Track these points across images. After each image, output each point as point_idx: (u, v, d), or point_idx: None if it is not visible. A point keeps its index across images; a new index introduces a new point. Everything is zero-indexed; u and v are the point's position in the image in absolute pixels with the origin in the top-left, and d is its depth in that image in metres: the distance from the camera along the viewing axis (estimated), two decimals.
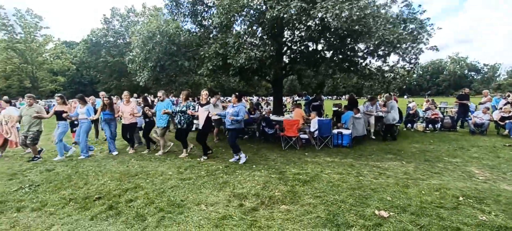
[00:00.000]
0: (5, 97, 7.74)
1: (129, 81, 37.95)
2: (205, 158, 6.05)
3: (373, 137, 8.43)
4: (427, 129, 9.94)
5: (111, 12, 36.42)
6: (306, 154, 6.48)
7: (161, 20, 8.14)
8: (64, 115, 6.17)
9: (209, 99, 6.74)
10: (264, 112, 9.30)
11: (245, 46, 6.40)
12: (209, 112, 6.11)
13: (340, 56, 8.97)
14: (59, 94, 6.63)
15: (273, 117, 8.85)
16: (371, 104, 8.71)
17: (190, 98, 6.86)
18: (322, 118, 8.02)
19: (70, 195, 3.89)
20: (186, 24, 9.88)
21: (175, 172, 5.02)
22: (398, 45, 6.58)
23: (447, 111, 15.57)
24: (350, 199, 3.59)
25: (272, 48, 6.75)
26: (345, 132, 7.23)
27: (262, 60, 6.58)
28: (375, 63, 8.87)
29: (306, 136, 7.63)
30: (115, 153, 6.64)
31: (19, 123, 6.53)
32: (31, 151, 6.17)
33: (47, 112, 8.06)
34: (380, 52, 7.95)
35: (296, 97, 43.97)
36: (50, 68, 29.96)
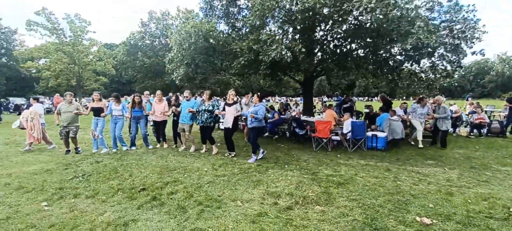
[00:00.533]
0: (34, 95, 8.55)
1: (162, 81, 39.94)
2: (232, 154, 6.29)
3: (413, 143, 7.63)
4: (472, 134, 9.21)
5: (149, 15, 38.49)
6: (338, 156, 6.36)
7: (196, 21, 8.47)
8: (102, 114, 6.69)
9: (237, 99, 6.91)
10: (294, 113, 9.27)
11: (278, 41, 6.43)
12: (237, 111, 6.28)
13: (374, 57, 8.65)
14: (97, 92, 7.18)
15: (303, 118, 8.79)
16: (421, 106, 7.59)
17: (214, 97, 7.09)
18: (355, 120, 7.79)
19: (118, 185, 4.23)
20: (219, 26, 10.21)
21: (210, 168, 5.23)
22: (437, 50, 6.18)
23: (494, 116, 14.28)
24: (388, 204, 3.49)
25: (303, 44, 6.69)
26: (380, 134, 6.98)
27: (294, 55, 6.56)
28: (411, 65, 8.35)
29: (338, 138, 7.49)
30: (150, 147, 7.25)
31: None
32: (76, 142, 6.70)
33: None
34: (416, 56, 7.49)
35: (325, 98, 43.08)
36: (94, 69, 32.48)
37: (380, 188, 4.12)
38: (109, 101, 9.37)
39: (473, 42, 7.07)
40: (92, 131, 6.75)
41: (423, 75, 7.35)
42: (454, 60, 7.35)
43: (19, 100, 24.47)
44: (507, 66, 69.15)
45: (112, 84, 49.39)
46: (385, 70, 8.69)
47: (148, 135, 7.57)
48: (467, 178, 4.66)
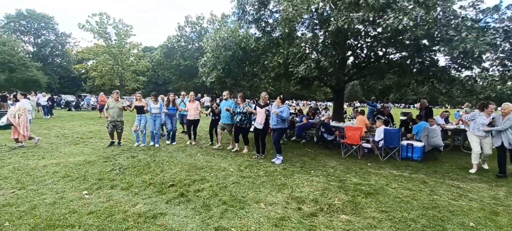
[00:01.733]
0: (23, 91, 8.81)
1: (195, 83, 41.63)
2: (260, 155, 6.43)
3: (486, 167, 5.87)
4: None
5: (185, 19, 40.44)
6: (369, 164, 6.08)
7: (230, 27, 8.72)
8: (145, 110, 7.32)
9: (269, 102, 6.98)
10: (323, 118, 9.06)
11: (307, 56, 6.38)
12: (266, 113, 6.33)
13: (414, 63, 8.13)
14: (139, 92, 7.81)
15: (333, 123, 8.55)
16: (486, 115, 5.66)
17: (248, 100, 7.25)
18: (388, 127, 7.38)
19: (150, 180, 4.49)
20: (251, 29, 10.38)
21: (235, 169, 5.32)
22: (482, 56, 5.62)
23: None
24: (422, 219, 3.26)
25: (335, 55, 6.55)
26: (416, 144, 6.53)
27: (323, 69, 6.46)
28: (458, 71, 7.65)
29: (369, 145, 7.16)
30: (174, 143, 7.79)
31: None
32: (120, 136, 7.39)
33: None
34: (465, 62, 6.85)
35: (357, 104, 41.33)
36: (134, 70, 35.00)
37: (413, 201, 3.86)
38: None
39: None
40: (135, 126, 7.35)
41: (470, 81, 6.66)
42: (509, 64, 6.59)
43: (69, 97, 27.10)
44: None
45: (149, 85, 52.50)
46: (428, 76, 8.05)
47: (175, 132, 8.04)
48: None
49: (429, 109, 8.58)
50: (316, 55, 7.41)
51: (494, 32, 5.89)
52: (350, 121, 9.97)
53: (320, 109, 14.46)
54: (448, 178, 5.12)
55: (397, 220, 3.24)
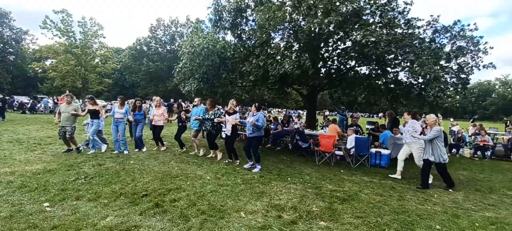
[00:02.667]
0: None
1: (165, 87, 40.27)
2: (232, 161, 6.48)
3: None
4: (476, 156, 9.14)
5: (157, 22, 39.15)
6: (342, 171, 6.32)
7: (208, 36, 8.59)
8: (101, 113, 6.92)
9: (237, 109, 7.08)
10: (299, 126, 9.27)
11: (287, 56, 6.53)
12: (236, 120, 6.37)
13: (383, 84, 8.63)
14: (89, 96, 7.34)
15: (307, 131, 8.78)
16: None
17: (218, 107, 7.25)
18: (359, 136, 7.76)
19: (120, 190, 4.20)
20: (227, 36, 10.36)
21: (212, 177, 5.19)
22: (442, 75, 6.24)
23: (497, 138, 14.20)
24: (394, 223, 3.44)
25: (309, 60, 6.76)
26: (384, 152, 6.94)
27: (303, 70, 6.64)
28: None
29: (341, 153, 7.45)
30: (143, 150, 7.37)
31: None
32: (73, 142, 6.73)
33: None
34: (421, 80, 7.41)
35: (327, 113, 43.03)
36: (99, 71, 32.76)
37: (385, 206, 4.07)
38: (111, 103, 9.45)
39: (481, 58, 7.10)
40: (118, 133, 6.97)
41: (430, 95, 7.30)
42: (461, 79, 7.32)
43: (24, 99, 24.64)
44: (509, 89, 69.24)
45: (115, 88, 49.68)
46: (397, 95, 8.51)
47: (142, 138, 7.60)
48: (472, 200, 4.60)
49: (396, 119, 9.19)
50: (294, 57, 7.55)
51: (447, 51, 6.54)
52: (322, 129, 10.30)
53: (293, 117, 14.80)
54: (413, 184, 5.49)
55: (372, 225, 3.38)
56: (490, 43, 6.96)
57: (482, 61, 7.18)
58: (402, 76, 7.89)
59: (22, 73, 43.81)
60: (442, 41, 7.21)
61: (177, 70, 8.89)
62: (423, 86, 6.93)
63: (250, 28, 9.74)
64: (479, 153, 9.20)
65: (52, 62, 33.39)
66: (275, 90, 12.07)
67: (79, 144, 6.91)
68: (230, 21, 9.66)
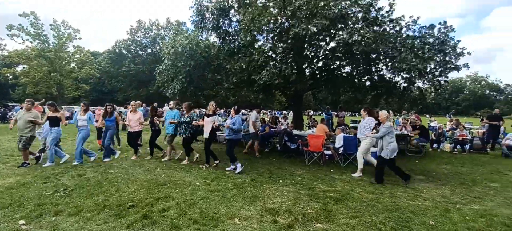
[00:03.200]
0: None
1: (147, 91, 39.20)
2: (207, 166, 6.31)
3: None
4: (455, 150, 9.52)
5: (137, 24, 38.03)
6: (332, 170, 6.32)
7: (190, 35, 8.38)
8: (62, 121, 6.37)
9: (218, 110, 7.00)
10: (286, 127, 9.23)
11: (269, 63, 6.47)
12: (214, 123, 6.32)
13: (367, 81, 8.79)
14: (50, 102, 6.68)
15: (295, 132, 8.76)
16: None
17: (196, 110, 7.18)
18: (347, 134, 7.82)
19: (104, 201, 3.93)
20: (210, 37, 10.17)
21: (202, 182, 5.01)
22: (426, 67, 6.40)
23: (472, 132, 14.93)
24: (389, 221, 3.43)
25: (293, 64, 6.75)
26: (371, 149, 7.01)
27: (285, 77, 6.62)
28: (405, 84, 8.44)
29: (329, 152, 7.48)
30: (108, 159, 6.81)
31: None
32: (27, 154, 6.08)
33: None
34: (406, 76, 7.62)
35: (311, 113, 43.58)
36: (76, 77, 31.30)
37: (378, 204, 4.08)
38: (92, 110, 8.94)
39: (458, 58, 7.38)
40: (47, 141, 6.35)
41: (414, 91, 7.48)
42: (440, 77, 7.58)
43: None
44: (478, 86, 73.57)
45: (93, 93, 47.71)
46: (382, 92, 8.70)
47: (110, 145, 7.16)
48: (459, 194, 4.73)
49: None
50: (277, 64, 7.52)
51: (430, 47, 6.73)
52: (310, 129, 10.34)
53: (279, 118, 14.79)
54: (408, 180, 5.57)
55: (368, 225, 3.36)
56: (460, 42, 7.21)
57: (458, 62, 7.50)
58: (385, 73, 8.04)
59: None
60: (423, 40, 7.41)
61: (159, 71, 8.59)
62: (407, 83, 7.09)
63: (233, 29, 9.65)
64: (458, 147, 9.58)
65: (23, 68, 31.51)
66: (262, 94, 12.03)
67: (36, 153, 6.39)
68: (213, 21, 9.50)
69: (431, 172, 6.46)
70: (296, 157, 7.83)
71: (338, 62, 9.49)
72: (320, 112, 55.78)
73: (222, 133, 9.27)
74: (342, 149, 6.95)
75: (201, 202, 4.00)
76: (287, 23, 7.46)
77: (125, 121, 7.59)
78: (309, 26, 6.09)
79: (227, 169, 6.10)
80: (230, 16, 9.72)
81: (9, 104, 26.68)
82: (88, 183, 4.84)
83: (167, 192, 4.41)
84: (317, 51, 9.48)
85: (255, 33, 7.34)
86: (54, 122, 6.25)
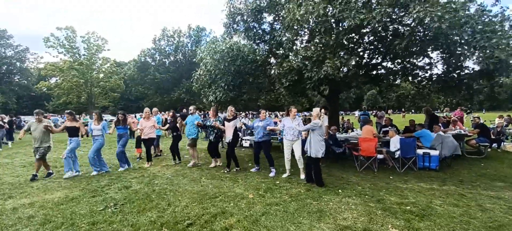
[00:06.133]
0: None
1: (169, 98, 39.99)
2: (228, 170, 6.31)
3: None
4: None
5: (161, 32, 38.99)
6: (391, 177, 5.68)
7: (230, 41, 8.09)
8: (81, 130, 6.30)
9: (236, 115, 7.02)
10: (330, 131, 8.65)
11: (328, 57, 5.86)
12: (236, 126, 6.46)
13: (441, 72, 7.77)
14: (68, 111, 6.45)
15: (339, 135, 8.16)
16: (291, 120, 5.73)
17: (220, 115, 7.09)
18: (401, 136, 7.10)
19: (158, 219, 3.62)
20: (243, 40, 9.83)
21: (255, 195, 4.60)
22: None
23: None
24: None
25: (352, 59, 6.08)
26: (433, 152, 6.29)
27: (346, 72, 6.05)
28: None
29: (381, 156, 6.82)
30: (123, 168, 6.60)
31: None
32: (40, 165, 5.94)
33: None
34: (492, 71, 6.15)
35: (340, 112, 42.14)
36: (104, 86, 32.48)
37: (473, 220, 3.44)
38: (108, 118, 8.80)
39: None
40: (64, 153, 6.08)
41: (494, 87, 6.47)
42: None
43: (31, 119, 24.35)
44: None
45: (121, 102, 49.52)
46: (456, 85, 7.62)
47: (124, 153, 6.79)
48: None
49: (434, 116, 8.53)
50: (340, 55, 6.75)
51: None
52: (353, 131, 9.68)
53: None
54: (479, 188, 4.85)
55: None
56: None
57: None
58: (469, 64, 6.89)
59: (27, 92, 43.85)
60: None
61: (196, 77, 8.35)
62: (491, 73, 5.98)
63: (269, 28, 9.24)
64: None
65: (57, 80, 33.24)
66: (292, 93, 11.38)
67: (50, 169, 6.16)
68: (249, 22, 9.15)
69: (506, 176, 5.64)
70: (342, 162, 7.24)
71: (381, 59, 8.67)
72: (349, 112, 53.75)
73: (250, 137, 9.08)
74: (398, 152, 6.28)
75: (264, 219, 3.58)
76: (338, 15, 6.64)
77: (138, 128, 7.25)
78: (371, 14, 5.32)
79: (270, 175, 5.90)
80: (264, 16, 9.33)
81: (45, 115, 28.11)
82: (137, 196, 4.60)
83: (222, 206, 4.04)
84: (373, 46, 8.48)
85: (299, 30, 6.71)
86: (73, 131, 6.13)
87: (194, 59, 44.67)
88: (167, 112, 16.87)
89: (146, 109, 7.37)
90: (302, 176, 5.63)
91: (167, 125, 7.49)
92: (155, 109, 8.52)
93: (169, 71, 38.78)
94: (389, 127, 8.05)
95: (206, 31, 41.11)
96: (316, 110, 5.33)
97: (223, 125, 6.50)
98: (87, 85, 30.05)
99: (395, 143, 6.43)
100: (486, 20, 5.54)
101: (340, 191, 4.76)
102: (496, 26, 5.44)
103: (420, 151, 6.36)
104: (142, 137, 7.08)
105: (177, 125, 7.28)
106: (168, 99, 40.25)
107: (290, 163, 5.92)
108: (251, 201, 4.26)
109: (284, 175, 5.83)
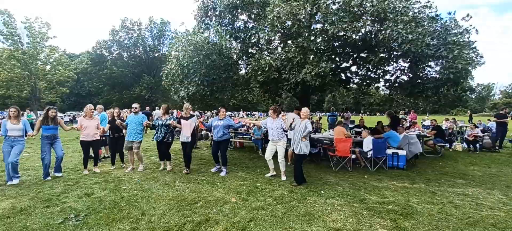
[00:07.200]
0: None
1: (129, 94, 37.34)
2: (187, 171, 5.99)
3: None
4: (470, 149, 9.46)
5: (121, 23, 36.16)
6: (366, 177, 5.86)
7: (205, 33, 7.66)
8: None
9: (195, 113, 6.89)
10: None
11: (309, 62, 5.85)
12: (195, 124, 6.31)
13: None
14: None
15: (316, 136, 8.26)
16: (273, 119, 5.70)
17: (172, 112, 6.62)
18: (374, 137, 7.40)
19: (132, 230, 3.17)
20: (216, 37, 9.46)
21: (238, 198, 4.34)
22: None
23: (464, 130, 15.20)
24: None
25: (328, 67, 6.15)
26: (401, 152, 6.66)
27: (322, 76, 6.07)
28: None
29: (354, 156, 7.03)
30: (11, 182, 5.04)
31: None
32: None
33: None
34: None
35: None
36: (52, 79, 28.93)
37: (449, 217, 3.63)
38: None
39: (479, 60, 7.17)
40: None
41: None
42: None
43: None
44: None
45: (70, 97, 44.78)
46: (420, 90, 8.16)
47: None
48: None
49: (396, 118, 9.11)
50: (317, 62, 6.72)
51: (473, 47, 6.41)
52: (325, 131, 9.90)
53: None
54: (446, 185, 5.22)
55: None
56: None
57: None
58: (431, 72, 7.40)
59: None
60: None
61: (166, 72, 7.75)
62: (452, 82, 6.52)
63: (244, 26, 9.01)
64: (471, 146, 9.53)
65: None
66: (261, 93, 11.34)
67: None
68: (222, 18, 8.82)
69: (464, 174, 6.20)
70: (316, 162, 7.34)
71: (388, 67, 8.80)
72: (317, 113, 55.77)
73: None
74: (371, 152, 6.52)
75: (253, 225, 3.35)
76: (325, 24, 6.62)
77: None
78: (351, 26, 5.44)
79: (212, 170, 6.14)
80: (238, 13, 9.07)
81: None
82: (102, 205, 4.02)
83: (205, 213, 3.71)
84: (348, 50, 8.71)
85: (286, 27, 6.53)
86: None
87: (157, 54, 42.40)
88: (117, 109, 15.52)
89: (89, 106, 6.10)
90: (283, 177, 5.52)
91: (108, 125, 6.44)
92: (99, 106, 7.54)
93: (128, 66, 36.18)
94: (362, 128, 8.38)
95: (169, 26, 39.16)
96: (305, 110, 5.35)
97: (179, 123, 6.14)
98: (31, 78, 26.45)
99: (367, 144, 6.68)
100: (452, 32, 6.03)
101: (322, 192, 4.74)
102: (459, 37, 5.95)
103: (389, 151, 6.69)
104: (86, 139, 5.85)
105: (117, 124, 6.25)
106: (127, 96, 37.52)
107: (272, 162, 5.79)
108: (235, 206, 4.00)
109: (268, 175, 5.80)
